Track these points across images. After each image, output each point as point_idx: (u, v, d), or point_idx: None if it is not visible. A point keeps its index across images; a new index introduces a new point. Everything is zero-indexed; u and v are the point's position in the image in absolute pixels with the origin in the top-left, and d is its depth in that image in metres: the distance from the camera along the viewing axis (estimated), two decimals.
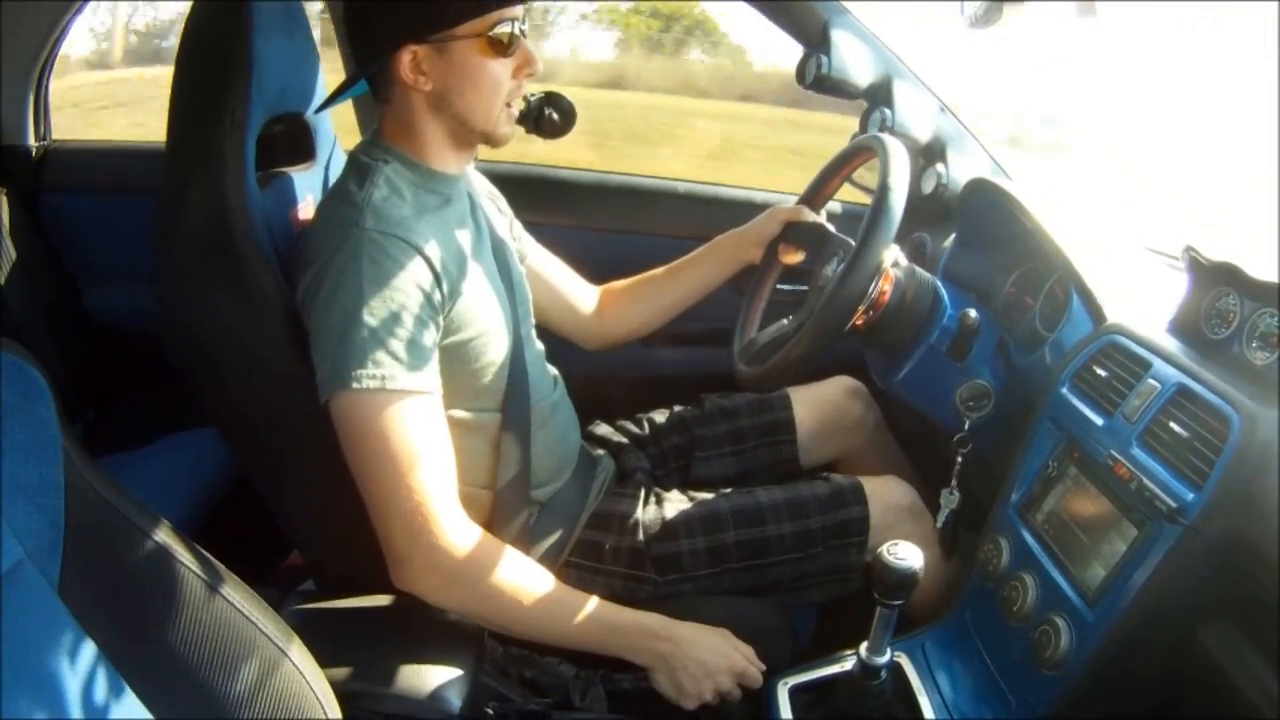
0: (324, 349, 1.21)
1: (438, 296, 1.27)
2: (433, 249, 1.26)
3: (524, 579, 1.27)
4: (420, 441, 1.21)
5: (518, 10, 1.31)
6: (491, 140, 1.38)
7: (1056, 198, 1.75)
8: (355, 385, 1.18)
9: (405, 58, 1.28)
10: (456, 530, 1.23)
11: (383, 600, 1.29)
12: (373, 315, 1.19)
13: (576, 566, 1.49)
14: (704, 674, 1.32)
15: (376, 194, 1.27)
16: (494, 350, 1.39)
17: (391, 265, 1.22)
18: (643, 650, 1.33)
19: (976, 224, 1.80)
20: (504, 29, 1.29)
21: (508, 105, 1.36)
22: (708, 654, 1.33)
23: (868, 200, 1.40)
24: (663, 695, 1.34)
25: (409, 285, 1.23)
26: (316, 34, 1.51)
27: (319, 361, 1.22)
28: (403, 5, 1.26)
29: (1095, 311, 1.44)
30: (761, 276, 1.75)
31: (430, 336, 1.26)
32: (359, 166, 1.33)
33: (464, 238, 1.38)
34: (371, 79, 1.35)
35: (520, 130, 1.45)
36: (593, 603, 1.31)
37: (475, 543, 1.24)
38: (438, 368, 1.27)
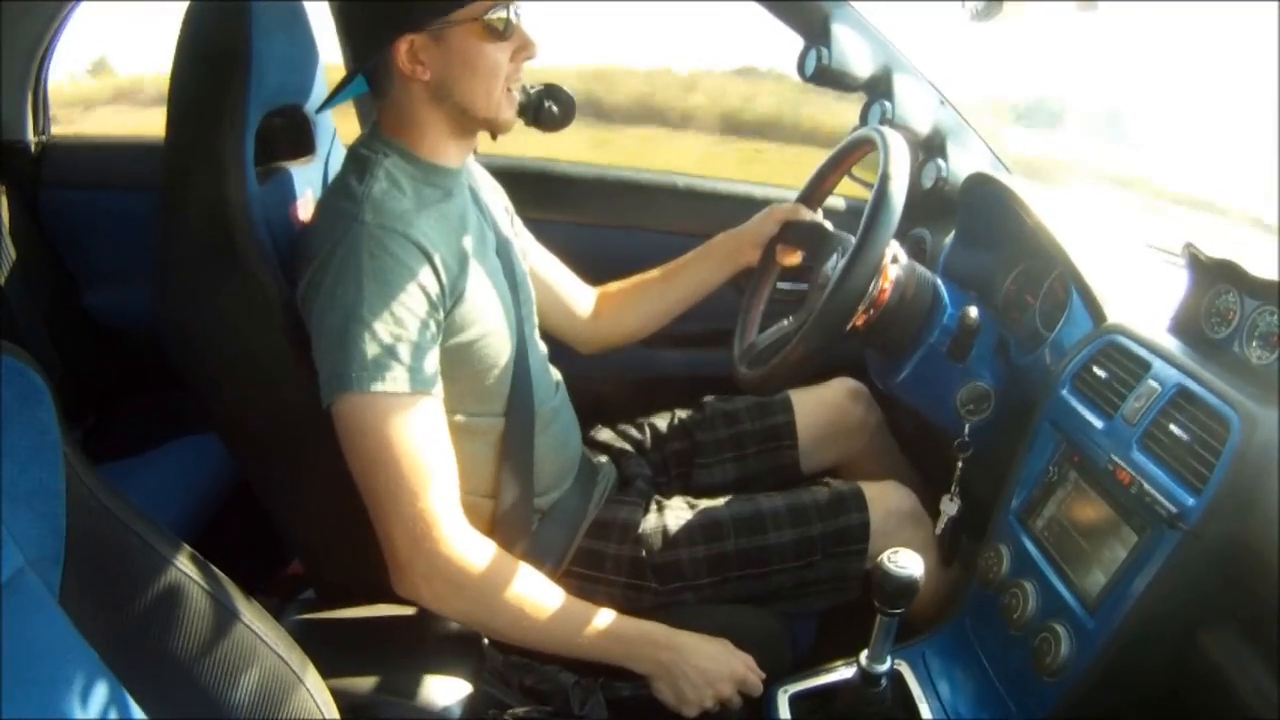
0: (324, 350, 1.20)
1: (439, 295, 1.25)
2: (434, 245, 1.25)
3: (526, 587, 1.27)
4: (422, 445, 1.20)
5: None
6: (494, 126, 1.36)
7: (1056, 194, 1.74)
8: (356, 387, 1.17)
9: (402, 48, 1.26)
10: (459, 537, 1.22)
11: (383, 608, 1.29)
12: (373, 314, 1.18)
13: (577, 575, 1.48)
14: (705, 682, 1.33)
15: (376, 187, 1.26)
16: (497, 352, 1.38)
17: (391, 261, 1.20)
18: (644, 658, 1.33)
19: (977, 220, 1.79)
20: (500, 13, 1.27)
21: (508, 90, 1.34)
22: (709, 662, 1.33)
23: (868, 195, 1.39)
24: (663, 703, 1.34)
25: (409, 282, 1.21)
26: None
27: (320, 363, 1.21)
28: None
29: (1095, 310, 1.44)
30: (760, 278, 1.74)
31: (432, 336, 1.25)
32: (358, 160, 1.32)
33: (466, 234, 1.36)
34: (370, 75, 1.34)
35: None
36: (594, 611, 1.31)
37: (478, 550, 1.24)
38: (439, 369, 1.26)
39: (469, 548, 1.23)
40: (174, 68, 1.31)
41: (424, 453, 1.20)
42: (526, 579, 1.28)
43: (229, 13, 1.28)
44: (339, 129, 1.69)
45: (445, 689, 1.15)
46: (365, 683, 1.14)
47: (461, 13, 1.25)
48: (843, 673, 1.35)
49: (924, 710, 1.30)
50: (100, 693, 0.82)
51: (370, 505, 1.22)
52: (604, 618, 1.31)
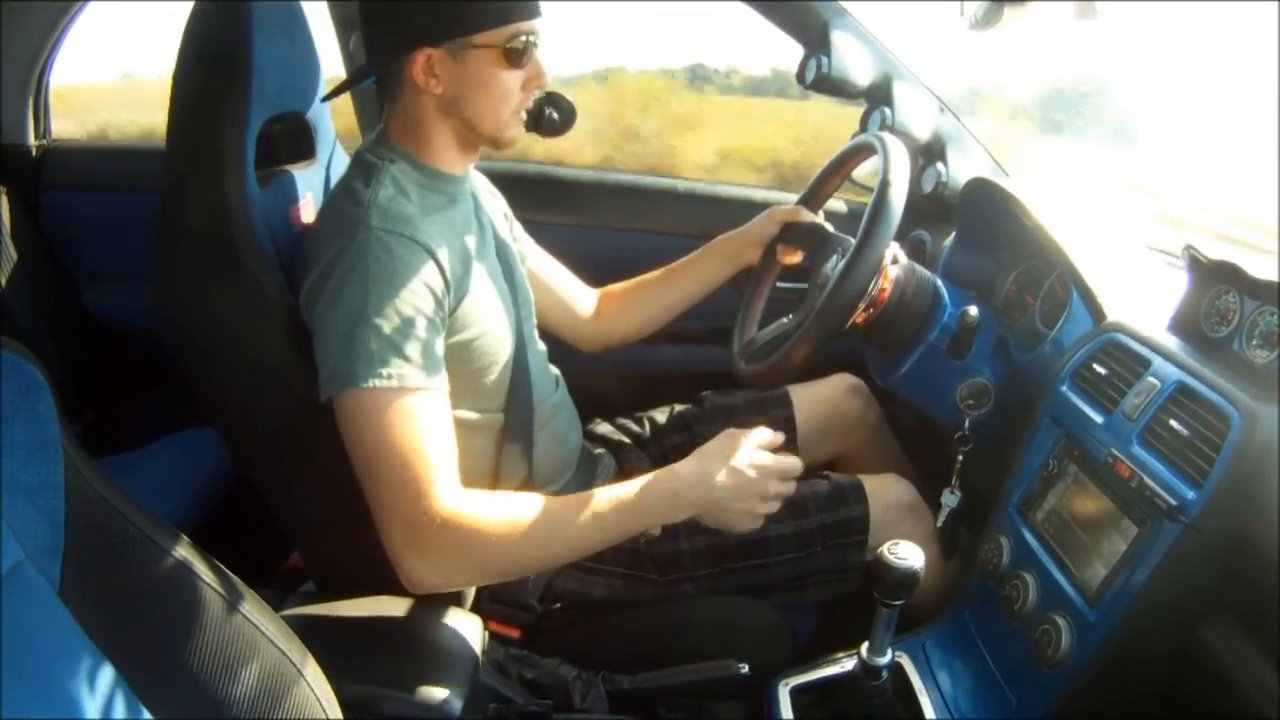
0: (328, 348, 1.20)
1: (443, 292, 1.26)
2: (438, 248, 1.26)
3: (525, 519, 1.21)
4: (426, 440, 1.20)
5: (534, 24, 1.31)
6: (498, 144, 1.38)
7: (1057, 194, 1.75)
8: (363, 384, 1.17)
9: (419, 59, 1.28)
10: (450, 503, 1.19)
11: (383, 601, 1.28)
12: (379, 314, 1.18)
13: (576, 565, 1.48)
14: (738, 498, 1.26)
15: (383, 193, 1.27)
16: (497, 350, 1.39)
17: (398, 264, 1.21)
18: (672, 513, 1.28)
19: (976, 222, 1.80)
20: (520, 41, 1.29)
21: (516, 113, 1.37)
22: (726, 477, 1.26)
23: (868, 199, 1.40)
24: (664, 696, 1.35)
25: (415, 284, 1.22)
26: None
27: (322, 360, 1.21)
28: (424, 7, 1.26)
29: (1095, 309, 1.44)
30: (760, 277, 1.75)
31: (437, 335, 1.25)
32: (365, 165, 1.33)
33: (468, 237, 1.38)
34: (381, 76, 1.35)
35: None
36: (592, 500, 1.25)
37: (467, 507, 1.20)
38: (444, 364, 1.26)
39: (468, 508, 1.19)
40: (175, 69, 1.32)
41: (426, 444, 1.20)
42: (522, 510, 1.23)
43: (230, 15, 1.29)
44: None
45: (445, 682, 1.14)
46: (365, 676, 1.13)
47: (483, 36, 1.27)
48: (843, 665, 1.35)
49: (924, 702, 1.30)
50: (100, 686, 0.81)
51: (371, 497, 1.21)
52: (610, 501, 1.25)
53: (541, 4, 1.33)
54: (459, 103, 1.32)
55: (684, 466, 1.28)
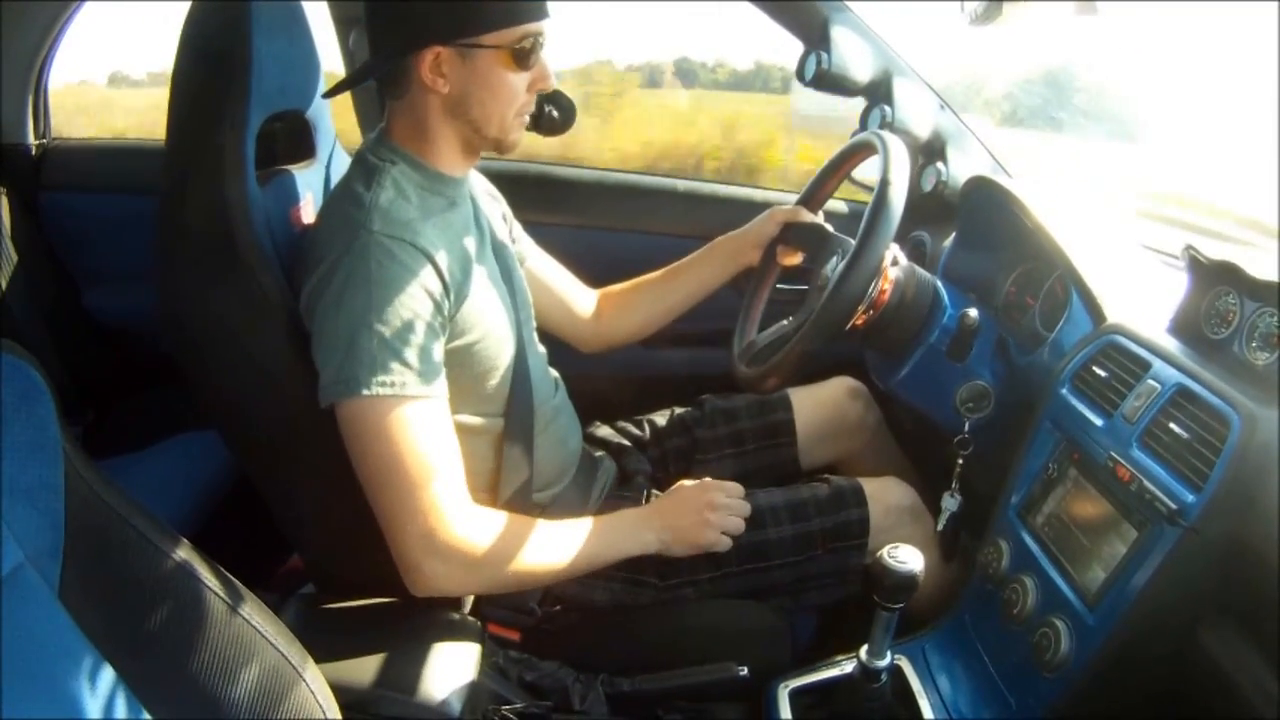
0: (329, 353, 1.20)
1: (444, 300, 1.26)
2: (439, 252, 1.26)
3: (529, 540, 1.30)
4: (431, 448, 1.21)
5: (542, 25, 1.31)
6: (501, 147, 1.38)
7: (1057, 195, 1.74)
8: (365, 391, 1.17)
9: (428, 57, 1.27)
10: (466, 521, 1.23)
11: (383, 603, 1.29)
12: (381, 321, 1.19)
13: None
14: (687, 511, 1.44)
15: (383, 196, 1.27)
16: (497, 354, 1.39)
17: (399, 269, 1.21)
18: (643, 544, 1.41)
19: (976, 222, 1.80)
20: (528, 42, 1.29)
21: (519, 115, 1.36)
22: (682, 515, 1.44)
23: (868, 198, 1.40)
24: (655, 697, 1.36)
25: (416, 290, 1.22)
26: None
27: (323, 365, 1.21)
28: (436, 5, 1.26)
29: (1095, 311, 1.44)
30: (760, 278, 1.74)
31: (437, 341, 1.26)
32: (365, 167, 1.33)
33: (468, 241, 1.38)
34: (384, 74, 1.35)
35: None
36: (586, 529, 1.37)
37: (483, 526, 1.26)
38: (444, 370, 1.27)
39: (476, 527, 1.25)
40: (175, 69, 1.32)
41: (432, 455, 1.21)
42: (527, 533, 1.31)
43: (230, 13, 1.29)
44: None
45: (445, 683, 1.15)
46: (365, 677, 1.14)
47: (493, 36, 1.27)
48: (843, 667, 1.35)
49: (924, 705, 1.30)
50: (100, 688, 0.81)
51: (379, 506, 1.22)
52: (594, 529, 1.38)
53: (549, 5, 1.33)
54: (465, 103, 1.32)
55: (653, 508, 1.47)
